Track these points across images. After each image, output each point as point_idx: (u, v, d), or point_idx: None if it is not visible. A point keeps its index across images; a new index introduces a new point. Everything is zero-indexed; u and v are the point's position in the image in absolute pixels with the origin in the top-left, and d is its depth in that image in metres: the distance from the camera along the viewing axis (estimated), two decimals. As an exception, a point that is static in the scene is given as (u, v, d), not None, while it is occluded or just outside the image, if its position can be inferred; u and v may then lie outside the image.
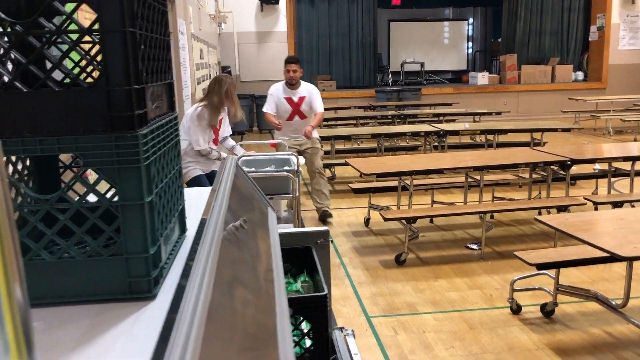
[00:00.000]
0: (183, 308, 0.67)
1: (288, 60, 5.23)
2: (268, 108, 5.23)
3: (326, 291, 1.47)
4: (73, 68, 0.99)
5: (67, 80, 0.96)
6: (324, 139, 7.48)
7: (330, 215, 5.38)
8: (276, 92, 5.27)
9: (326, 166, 6.83)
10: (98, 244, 0.89)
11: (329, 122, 9.67)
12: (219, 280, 0.85)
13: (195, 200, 1.55)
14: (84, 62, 0.98)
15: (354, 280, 3.98)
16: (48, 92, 0.86)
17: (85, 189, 0.90)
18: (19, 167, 1.08)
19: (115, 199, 0.90)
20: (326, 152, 7.40)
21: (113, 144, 0.87)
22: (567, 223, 2.84)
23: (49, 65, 0.98)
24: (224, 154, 4.19)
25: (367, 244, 4.74)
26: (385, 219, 4.32)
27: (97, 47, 0.87)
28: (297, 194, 3.61)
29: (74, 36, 0.90)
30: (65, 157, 1.10)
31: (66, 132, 0.86)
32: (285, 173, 3.50)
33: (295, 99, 5.20)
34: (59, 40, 0.88)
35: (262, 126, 11.56)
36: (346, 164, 5.31)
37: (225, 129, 4.39)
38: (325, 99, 12.24)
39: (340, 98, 12.34)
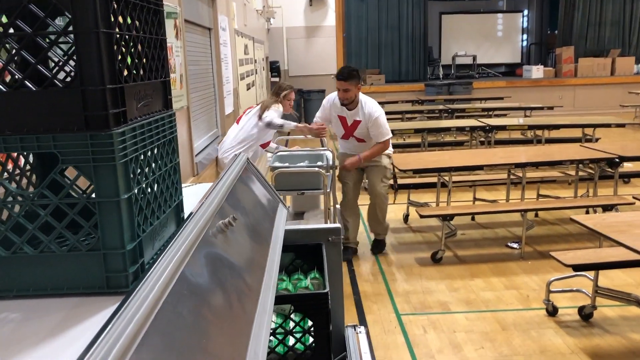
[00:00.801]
0: (130, 302, 0.68)
1: (337, 77, 4.06)
2: (316, 117, 4.40)
3: (327, 289, 1.46)
4: (53, 68, 1.02)
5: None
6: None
7: (381, 247, 4.44)
8: (328, 106, 4.23)
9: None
10: (77, 239, 0.92)
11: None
12: (186, 275, 0.86)
13: (202, 194, 1.57)
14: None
15: (387, 277, 3.94)
16: (26, 92, 0.89)
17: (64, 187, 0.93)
18: (20, 163, 1.12)
19: (93, 195, 0.92)
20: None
21: (88, 142, 0.89)
22: (604, 223, 2.72)
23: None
24: (292, 124, 4.29)
25: (405, 241, 4.69)
26: (422, 216, 4.26)
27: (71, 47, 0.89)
28: (329, 190, 3.60)
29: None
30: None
31: (44, 131, 0.89)
32: (317, 169, 3.50)
33: (349, 122, 4.14)
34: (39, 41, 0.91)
35: (310, 121, 11.60)
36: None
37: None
38: (374, 93, 12.19)
39: (389, 92, 12.23)
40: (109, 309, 0.90)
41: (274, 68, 11.79)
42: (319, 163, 3.65)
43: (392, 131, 7.50)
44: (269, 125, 4.16)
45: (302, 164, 3.77)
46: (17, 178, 1.09)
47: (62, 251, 0.93)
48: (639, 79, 12.61)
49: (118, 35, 0.93)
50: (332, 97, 4.22)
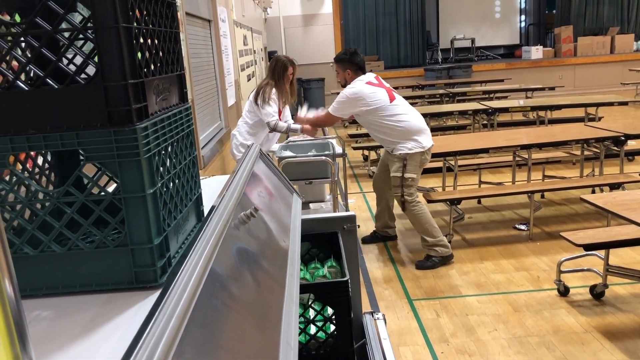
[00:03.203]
0: (165, 302, 0.68)
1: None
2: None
3: (348, 277, 1.47)
4: (68, 65, 1.01)
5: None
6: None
7: (379, 237, 4.40)
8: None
9: (371, 148, 6.77)
10: (104, 235, 0.92)
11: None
12: (216, 268, 0.86)
13: (218, 188, 1.57)
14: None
15: (397, 263, 3.95)
16: (48, 90, 0.89)
17: (89, 183, 0.93)
18: (39, 161, 1.12)
19: (119, 191, 0.92)
20: (368, 135, 7.36)
21: (112, 138, 0.89)
22: (615, 202, 2.72)
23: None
24: (294, 126, 4.15)
25: (411, 226, 4.69)
26: (429, 201, 4.26)
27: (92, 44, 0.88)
28: (337, 178, 3.60)
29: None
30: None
31: (67, 128, 0.89)
32: (324, 157, 3.50)
33: None
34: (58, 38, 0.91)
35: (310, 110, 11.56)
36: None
37: (286, 114, 4.43)
38: (373, 80, 12.16)
39: (389, 78, 12.12)
40: (139, 304, 0.90)
41: (271, 58, 11.75)
42: (326, 152, 3.65)
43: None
44: (274, 129, 4.08)
45: (309, 153, 3.76)
46: (37, 177, 1.09)
47: (89, 248, 0.93)
48: (639, 56, 12.55)
49: (136, 30, 0.93)
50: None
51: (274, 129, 4.07)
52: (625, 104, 6.77)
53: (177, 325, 0.63)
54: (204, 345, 0.69)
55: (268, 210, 1.38)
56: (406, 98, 9.70)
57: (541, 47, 13.29)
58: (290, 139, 4.14)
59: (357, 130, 8.02)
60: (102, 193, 0.94)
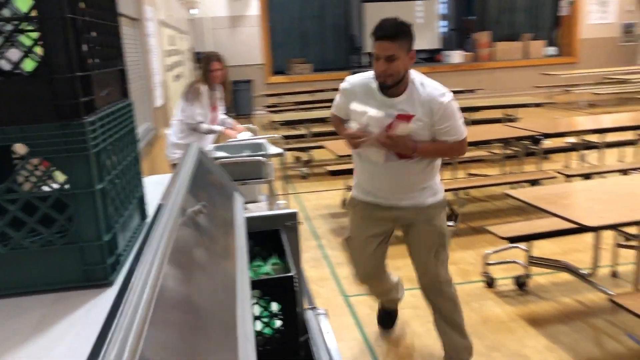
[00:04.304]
0: (127, 298, 0.67)
1: (376, 35, 2.24)
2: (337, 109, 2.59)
3: (294, 272, 1.48)
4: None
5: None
6: (299, 122, 7.42)
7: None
8: (355, 93, 2.40)
9: (302, 150, 6.81)
10: (51, 233, 0.89)
11: (306, 106, 9.65)
12: (172, 265, 0.86)
13: (160, 186, 1.54)
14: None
15: (332, 261, 4.01)
16: (-11, 82, 0.85)
17: (36, 180, 0.89)
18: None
19: (66, 187, 0.90)
20: (302, 136, 7.40)
21: (60, 132, 0.86)
22: (537, 196, 2.89)
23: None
24: (217, 127, 4.14)
25: (345, 225, 4.76)
26: (361, 200, 4.34)
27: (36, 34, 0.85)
28: (272, 178, 3.61)
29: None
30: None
31: (11, 122, 0.85)
32: (259, 158, 3.49)
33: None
34: (-1, 29, 0.87)
35: (240, 111, 11.49)
36: (323, 147, 5.32)
37: (226, 118, 4.41)
38: (302, 82, 12.25)
39: (317, 81, 12.29)
40: (91, 302, 0.88)
41: (199, 59, 11.57)
42: (261, 152, 3.64)
43: (324, 119, 7.61)
44: (195, 130, 4.03)
45: (242, 153, 3.74)
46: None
47: (35, 247, 0.90)
48: (550, 61, 13.32)
49: (81, 21, 0.91)
50: (359, 81, 2.40)
51: (194, 129, 4.03)
52: (539, 105, 7.18)
53: (142, 320, 0.62)
54: (168, 340, 0.69)
55: (214, 208, 1.37)
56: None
57: (461, 51, 13.83)
58: (229, 140, 4.10)
59: (289, 131, 8.03)
60: (48, 189, 0.91)
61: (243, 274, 1.14)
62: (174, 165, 4.11)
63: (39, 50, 0.85)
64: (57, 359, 0.72)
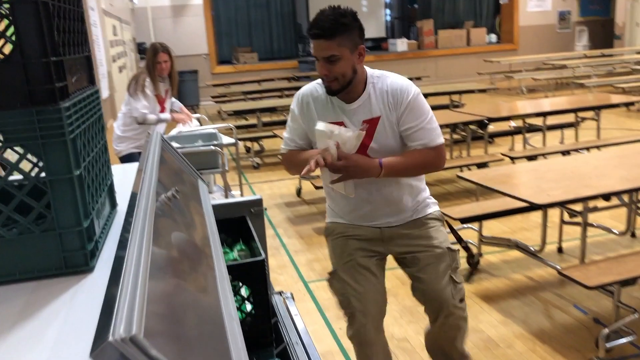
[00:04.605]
0: (124, 277, 0.68)
1: (310, 33, 1.85)
2: (289, 141, 2.07)
3: (263, 256, 1.50)
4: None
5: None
6: (248, 112, 7.37)
7: None
8: (307, 109, 1.99)
9: (254, 139, 6.79)
10: (28, 221, 0.88)
11: (254, 96, 9.59)
12: (157, 250, 0.86)
13: (122, 176, 1.53)
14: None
15: (289, 249, 4.03)
16: (-41, 68, 0.83)
17: (8, 167, 0.88)
18: None
19: (42, 174, 0.89)
20: (253, 125, 7.37)
21: (35, 118, 0.85)
22: (487, 177, 3.00)
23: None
24: (164, 115, 4.01)
25: (300, 214, 4.80)
26: (317, 187, 4.39)
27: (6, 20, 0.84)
28: (226, 168, 3.59)
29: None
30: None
31: (-17, 109, 0.84)
32: (213, 147, 3.47)
33: (353, 127, 1.91)
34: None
35: (186, 102, 11.29)
36: (274, 135, 5.33)
37: (174, 101, 4.28)
38: (248, 72, 12.15)
39: (263, 70, 12.23)
40: (73, 288, 0.88)
41: (142, 50, 11.28)
42: (214, 142, 3.62)
43: (275, 108, 7.59)
44: (143, 122, 3.89)
45: (195, 143, 3.71)
46: None
47: (12, 235, 0.88)
48: (491, 48, 13.71)
49: (52, 6, 0.89)
50: (308, 91, 1.99)
51: (142, 122, 3.90)
52: (484, 91, 7.40)
53: (142, 297, 0.63)
54: (165, 314, 0.70)
55: (183, 194, 1.37)
56: (284, 89, 9.83)
57: (406, 39, 14.04)
58: (182, 129, 4.02)
59: (237, 121, 7.97)
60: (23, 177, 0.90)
61: (219, 257, 1.15)
62: (122, 158, 4.02)
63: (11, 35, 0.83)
64: (51, 341, 0.72)
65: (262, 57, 13.37)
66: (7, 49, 0.86)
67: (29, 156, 0.94)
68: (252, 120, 7.16)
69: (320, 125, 1.86)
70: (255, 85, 10.42)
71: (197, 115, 4.89)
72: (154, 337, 0.57)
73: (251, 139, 6.77)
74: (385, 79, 1.93)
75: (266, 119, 7.98)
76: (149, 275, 0.75)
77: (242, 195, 4.57)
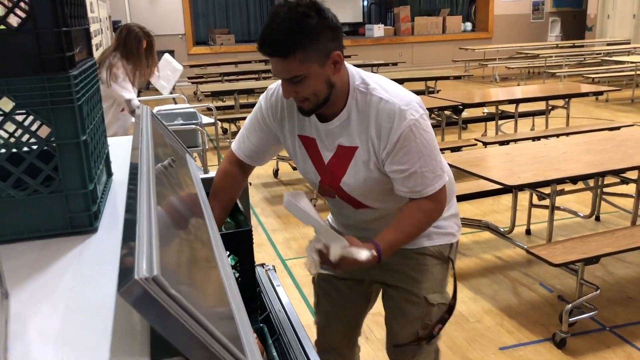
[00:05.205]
0: (139, 231, 0.74)
1: (260, 48, 1.32)
2: (240, 144, 1.72)
3: (250, 226, 1.57)
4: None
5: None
6: (225, 93, 7.34)
7: None
8: (273, 111, 1.57)
9: (231, 121, 6.80)
10: (37, 182, 0.93)
11: (230, 77, 9.57)
12: (161, 210, 0.92)
13: (112, 149, 1.57)
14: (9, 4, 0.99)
15: (267, 227, 4.10)
16: (-25, 35, 0.87)
17: (22, 131, 0.93)
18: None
19: (52, 138, 0.94)
20: (230, 107, 7.37)
21: (46, 85, 0.90)
22: (460, 160, 3.11)
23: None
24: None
25: (278, 194, 4.86)
26: (294, 168, 4.45)
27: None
28: (206, 147, 3.63)
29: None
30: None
31: (-3, 75, 0.88)
32: (193, 126, 3.50)
33: (326, 151, 1.50)
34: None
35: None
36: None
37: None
38: (225, 54, 12.08)
39: (240, 52, 12.16)
40: (80, 246, 0.94)
41: (117, 28, 11.13)
42: (194, 120, 3.65)
43: (253, 90, 7.59)
44: (134, 112, 3.44)
45: (175, 122, 3.73)
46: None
47: (21, 195, 0.93)
48: (466, 36, 13.87)
49: (59, -22, 0.94)
50: (276, 89, 1.57)
51: (133, 111, 3.47)
52: (459, 78, 7.54)
53: (157, 249, 0.69)
54: (176, 267, 0.76)
55: (175, 165, 1.43)
56: (261, 72, 9.80)
57: (382, 25, 14.10)
58: (160, 108, 4.01)
59: (214, 102, 7.96)
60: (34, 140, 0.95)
61: (212, 221, 1.21)
62: None
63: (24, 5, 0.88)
64: (66, 290, 0.78)
65: (239, 39, 13.29)
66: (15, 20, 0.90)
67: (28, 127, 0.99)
68: (229, 102, 7.15)
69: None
70: (232, 67, 10.38)
71: (175, 95, 4.90)
72: (169, 280, 0.63)
73: (228, 120, 6.77)
74: (372, 97, 1.40)
75: (243, 100, 7.98)
76: (159, 227, 0.81)
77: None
